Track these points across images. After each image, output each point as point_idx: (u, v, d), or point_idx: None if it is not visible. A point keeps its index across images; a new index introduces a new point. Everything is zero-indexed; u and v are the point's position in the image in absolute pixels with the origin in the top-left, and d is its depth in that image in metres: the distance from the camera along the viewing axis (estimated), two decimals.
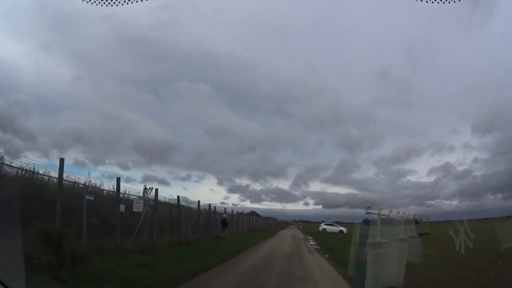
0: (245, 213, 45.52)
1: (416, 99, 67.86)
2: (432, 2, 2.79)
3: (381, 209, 18.06)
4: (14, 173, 10.26)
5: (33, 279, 6.23)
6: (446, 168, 58.24)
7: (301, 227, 78.00)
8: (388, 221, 18.72)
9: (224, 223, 25.20)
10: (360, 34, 58.44)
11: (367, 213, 16.95)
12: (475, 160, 60.80)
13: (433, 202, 44.34)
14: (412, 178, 64.56)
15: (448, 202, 44.58)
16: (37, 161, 12.17)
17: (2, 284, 4.11)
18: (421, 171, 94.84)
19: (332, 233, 41.74)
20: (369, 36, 57.70)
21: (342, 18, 60.05)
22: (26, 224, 7.60)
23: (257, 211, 67.60)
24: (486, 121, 52.77)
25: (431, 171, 75.72)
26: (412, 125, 75.78)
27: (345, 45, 65.07)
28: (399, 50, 59.26)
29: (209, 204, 26.31)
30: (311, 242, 27.36)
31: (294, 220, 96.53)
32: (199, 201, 23.56)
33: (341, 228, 44.42)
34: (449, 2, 2.80)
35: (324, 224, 48.56)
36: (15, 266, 5.46)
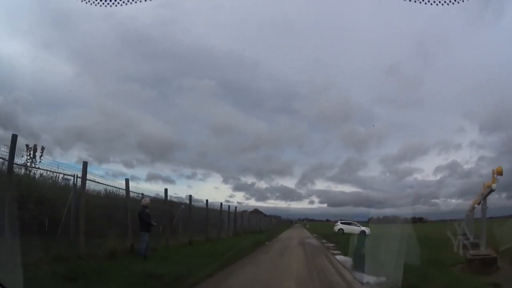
0: (248, 211, 38.86)
1: (424, 97, 65.29)
2: (437, 5, 2.62)
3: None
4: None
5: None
6: (453, 167, 55.99)
7: (308, 226, 65.13)
8: (391, 220, 18.11)
9: (144, 220, 10.66)
10: (368, 31, 55.58)
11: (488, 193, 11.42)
12: (481, 158, 54.69)
13: (437, 200, 43.38)
14: (418, 177, 62.07)
15: (452, 200, 41.22)
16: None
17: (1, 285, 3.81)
18: (427, 169, 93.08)
19: (352, 235, 29.27)
20: (377, 33, 55.68)
21: (349, 15, 56.28)
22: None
23: (262, 210, 62.88)
24: (494, 119, 50.39)
25: (438, 169, 74.76)
26: (420, 123, 72.67)
27: (352, 42, 62.21)
28: (407, 47, 57.97)
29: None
30: (341, 261, 12.66)
31: (299, 219, 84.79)
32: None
33: (363, 228, 32.62)
34: (453, 3, 2.62)
35: (341, 223, 36.84)
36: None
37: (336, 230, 35.25)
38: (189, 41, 57.41)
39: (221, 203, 24.72)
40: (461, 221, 14.01)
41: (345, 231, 33.71)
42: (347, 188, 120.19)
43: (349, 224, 36.08)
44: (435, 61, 58.54)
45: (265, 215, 61.46)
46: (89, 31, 43.80)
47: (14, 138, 7.93)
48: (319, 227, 60.90)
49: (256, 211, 57.68)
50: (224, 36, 63.51)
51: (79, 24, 45.86)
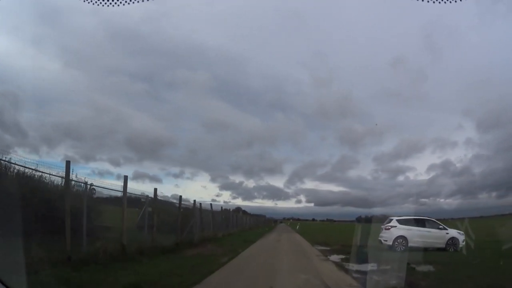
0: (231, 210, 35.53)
1: (426, 93, 61.81)
2: (439, 2, 2.67)
3: None
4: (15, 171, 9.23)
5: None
6: (446, 165, 55.66)
7: (298, 227, 53.58)
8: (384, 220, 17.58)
9: None
10: (368, 26, 54.10)
11: None
12: (476, 156, 55.48)
13: (427, 200, 42.38)
14: (411, 176, 61.90)
15: (442, 200, 41.70)
16: (28, 157, 9.80)
17: (3, 284, 3.98)
18: (420, 168, 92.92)
19: (437, 255, 13.30)
20: (375, 29, 54.79)
21: (351, 6, 53.41)
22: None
23: (247, 209, 60.54)
24: (492, 117, 50.61)
25: (430, 168, 74.16)
26: (417, 120, 69.56)
27: (352, 36, 59.56)
28: (409, 43, 56.99)
29: None
30: None
31: (284, 218, 78.49)
32: None
33: (452, 231, 16.40)
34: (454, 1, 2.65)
35: (399, 222, 16.80)
36: (16, 266, 5.28)
37: (391, 242, 16.05)
38: (180, 37, 55.68)
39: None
40: (463, 220, 13.12)
41: (410, 243, 15.84)
42: (336, 188, 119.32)
43: (421, 224, 16.87)
44: (439, 57, 57.19)
45: (250, 214, 56.62)
46: (77, 26, 42.29)
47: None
48: (312, 228, 54.00)
49: (238, 210, 50.11)
50: (216, 32, 60.56)
51: (67, 19, 44.47)
